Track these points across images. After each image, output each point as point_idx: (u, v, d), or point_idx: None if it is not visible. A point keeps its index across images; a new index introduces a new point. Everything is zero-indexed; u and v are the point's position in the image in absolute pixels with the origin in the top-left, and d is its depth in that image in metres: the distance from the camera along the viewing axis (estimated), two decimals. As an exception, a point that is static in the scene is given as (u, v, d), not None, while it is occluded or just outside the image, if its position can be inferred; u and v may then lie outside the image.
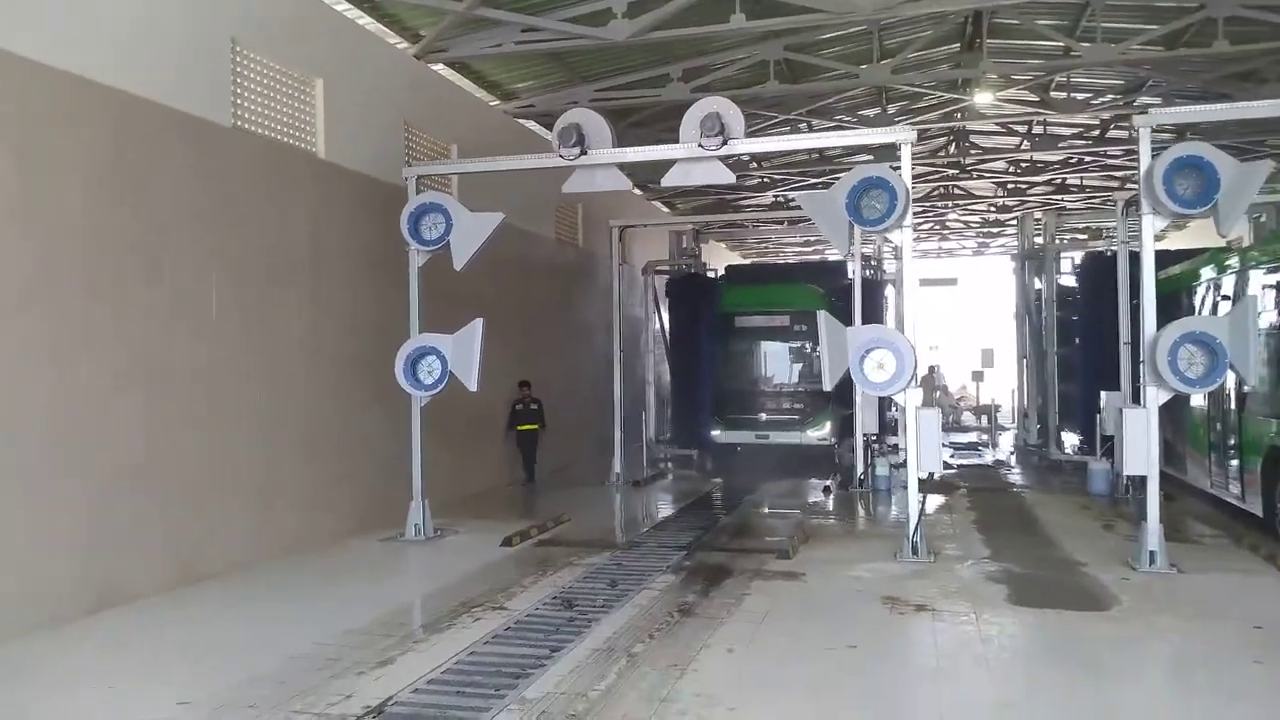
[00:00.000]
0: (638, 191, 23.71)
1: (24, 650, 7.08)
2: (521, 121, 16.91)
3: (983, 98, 16.62)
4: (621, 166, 10.99)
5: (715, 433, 18.10)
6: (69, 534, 7.87)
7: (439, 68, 14.11)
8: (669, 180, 10.81)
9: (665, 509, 13.72)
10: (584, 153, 10.71)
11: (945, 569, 9.50)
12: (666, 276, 20.05)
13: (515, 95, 16.29)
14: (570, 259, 19.14)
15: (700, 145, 10.31)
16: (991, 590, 8.65)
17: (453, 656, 6.85)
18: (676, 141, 10.59)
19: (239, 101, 9.84)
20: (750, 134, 11.04)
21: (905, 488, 14.88)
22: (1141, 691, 6.15)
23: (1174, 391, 9.34)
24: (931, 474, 10.50)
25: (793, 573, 9.36)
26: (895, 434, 16.89)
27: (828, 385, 10.21)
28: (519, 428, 15.51)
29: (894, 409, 16.52)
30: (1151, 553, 9.32)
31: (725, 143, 10.24)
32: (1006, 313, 30.09)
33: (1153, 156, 9.30)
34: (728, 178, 10.63)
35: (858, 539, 11.25)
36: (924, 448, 9.86)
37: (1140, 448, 9.45)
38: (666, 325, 19.68)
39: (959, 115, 19.39)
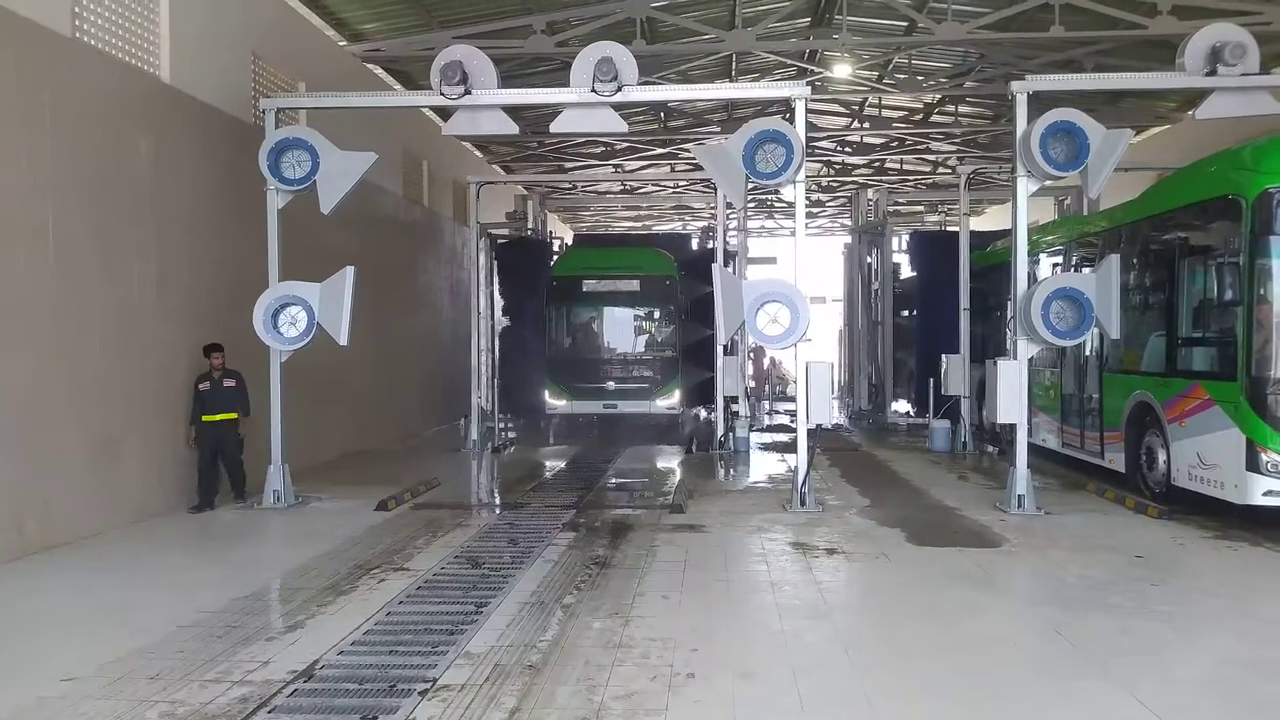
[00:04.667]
0: (478, 153, 22.95)
1: None
2: (369, 66, 15.87)
3: (841, 70, 17.11)
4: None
5: (560, 403, 17.35)
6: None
7: (285, -4, 12.97)
8: (558, 126, 10.37)
9: (535, 473, 13.32)
10: (468, 93, 10.10)
11: (836, 517, 9.70)
12: (503, 241, 19.16)
13: (363, 37, 15.21)
14: (417, 217, 18.23)
15: (594, 90, 9.96)
16: (888, 533, 8.89)
17: (370, 617, 6.28)
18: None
19: (79, 10, 8.59)
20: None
21: (763, 450, 15.52)
22: (1087, 610, 6.39)
23: (1045, 344, 9.95)
24: (820, 425, 10.68)
25: (693, 525, 9.27)
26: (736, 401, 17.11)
27: (722, 338, 10.19)
28: (206, 418, 10.07)
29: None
30: (1020, 496, 9.86)
31: (620, 89, 9.94)
32: (821, 290, 31.56)
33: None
34: (620, 127, 10.34)
35: (741, 495, 11.30)
36: (815, 400, 10.00)
37: (1012, 397, 9.99)
38: (498, 292, 18.52)
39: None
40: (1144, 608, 6.43)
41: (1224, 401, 8.68)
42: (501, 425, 17.29)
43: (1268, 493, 8.23)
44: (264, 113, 10.45)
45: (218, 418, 10.16)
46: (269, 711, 4.71)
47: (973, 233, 16.01)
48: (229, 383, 10.27)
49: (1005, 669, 5.38)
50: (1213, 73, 9.82)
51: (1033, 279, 13.39)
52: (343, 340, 10.14)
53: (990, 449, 14.75)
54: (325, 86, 12.59)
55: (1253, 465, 8.28)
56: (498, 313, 18.46)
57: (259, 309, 10.07)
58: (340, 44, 14.92)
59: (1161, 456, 9.79)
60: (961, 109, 22.20)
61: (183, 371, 10.13)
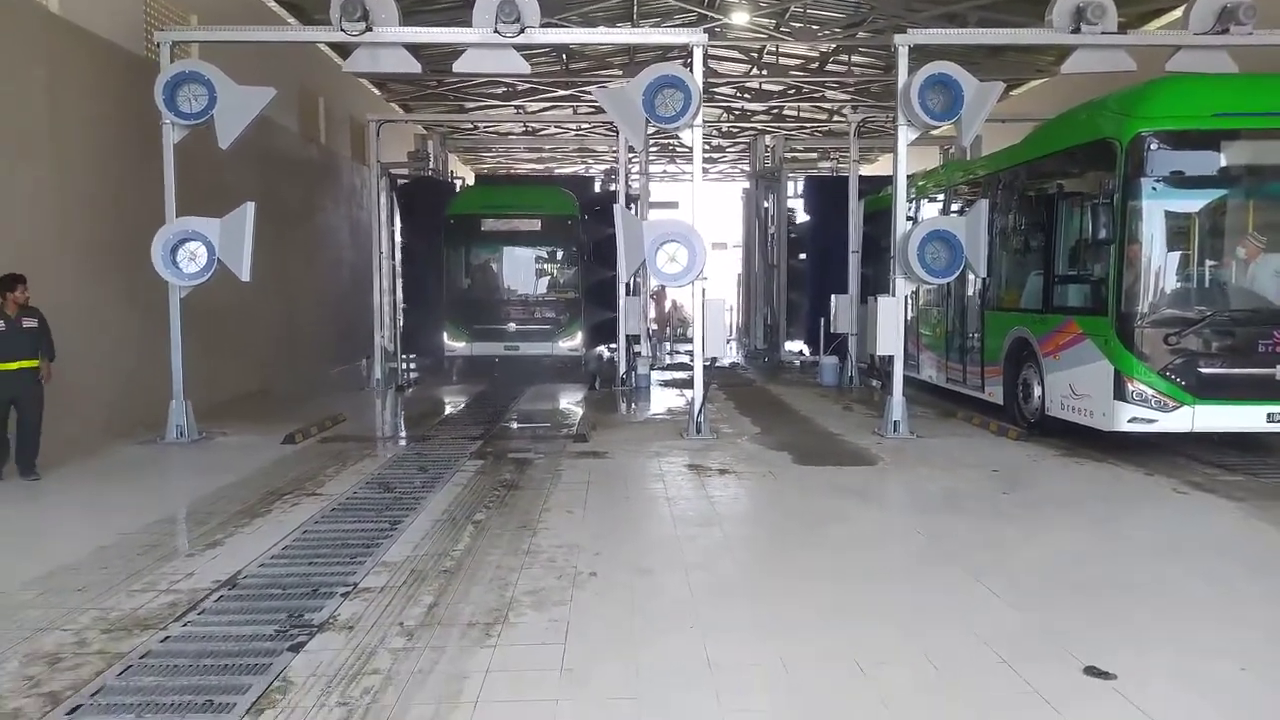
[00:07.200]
0: (376, 91, 22.62)
1: None
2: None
3: (739, 17, 17.48)
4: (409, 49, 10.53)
5: (459, 345, 17.32)
6: None
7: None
8: (461, 66, 10.53)
9: (440, 409, 13.63)
10: (369, 29, 10.17)
11: (729, 443, 10.35)
12: (404, 181, 18.93)
13: (257, -30, 14.90)
14: (314, 155, 18.00)
15: (497, 31, 10.15)
16: (777, 456, 9.59)
17: (288, 535, 6.61)
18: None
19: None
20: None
21: (664, 386, 16.14)
22: (944, 514, 7.22)
23: (921, 282, 10.70)
24: (715, 359, 11.27)
25: (596, 452, 9.79)
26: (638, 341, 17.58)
27: (624, 277, 10.61)
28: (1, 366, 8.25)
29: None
30: (896, 422, 10.70)
31: (523, 30, 10.15)
32: (722, 236, 32.27)
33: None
34: (523, 68, 10.55)
35: (642, 426, 11.86)
36: (710, 334, 10.58)
37: (890, 331, 10.75)
38: (399, 232, 18.03)
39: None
40: (994, 511, 7.26)
41: (1095, 335, 9.26)
42: (405, 365, 17.43)
43: (1132, 419, 8.83)
44: (158, 46, 10.29)
45: (14, 366, 8.25)
46: (199, 613, 5.05)
47: (863, 178, 16.77)
48: (29, 323, 8.34)
49: (870, 559, 6.08)
50: (1077, 30, 10.62)
51: (918, 223, 14.33)
52: (245, 276, 10.22)
53: (875, 383, 15.67)
54: (216, 20, 12.38)
55: (1120, 394, 8.87)
56: (399, 253, 18.37)
57: (157, 244, 10.06)
58: (233, -26, 14.56)
59: (1037, 388, 10.45)
60: (855, 59, 22.88)
61: (83, 311, 10.04)
